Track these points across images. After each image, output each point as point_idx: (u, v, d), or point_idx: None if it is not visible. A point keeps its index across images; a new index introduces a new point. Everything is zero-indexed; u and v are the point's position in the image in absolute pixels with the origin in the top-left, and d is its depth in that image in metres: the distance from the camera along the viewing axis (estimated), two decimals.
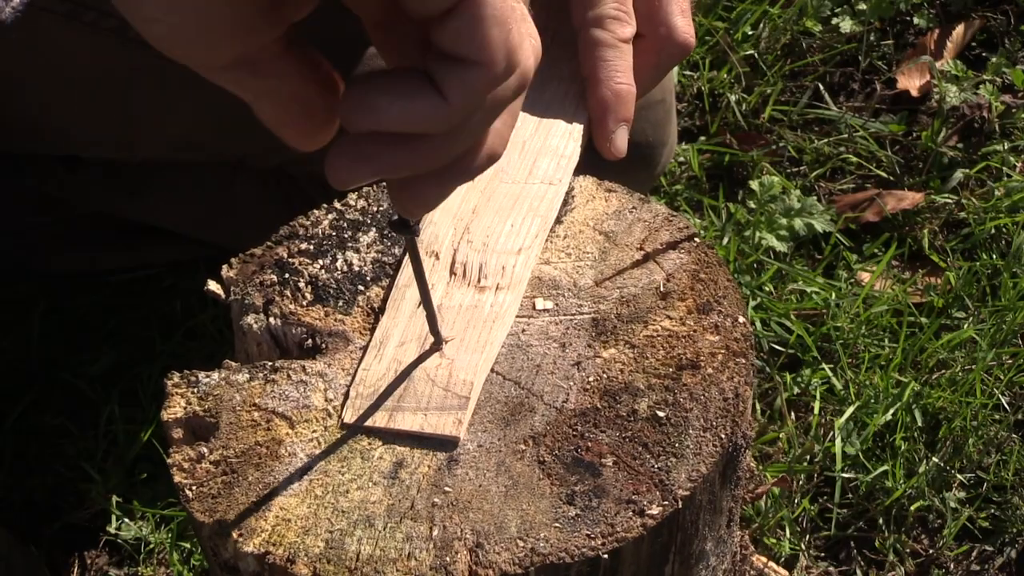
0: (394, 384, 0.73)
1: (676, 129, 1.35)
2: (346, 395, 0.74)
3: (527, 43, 0.56)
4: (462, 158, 0.58)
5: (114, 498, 1.31)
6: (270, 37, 0.53)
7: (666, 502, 0.68)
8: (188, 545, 1.28)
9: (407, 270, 0.80)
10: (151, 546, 1.28)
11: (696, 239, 0.83)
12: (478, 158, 0.59)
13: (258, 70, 0.54)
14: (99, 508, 1.32)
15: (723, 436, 0.72)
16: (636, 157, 1.29)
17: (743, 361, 0.76)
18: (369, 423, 0.72)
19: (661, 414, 0.73)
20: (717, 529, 0.77)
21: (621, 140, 0.87)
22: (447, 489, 0.69)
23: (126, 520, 1.30)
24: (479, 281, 0.79)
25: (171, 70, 0.58)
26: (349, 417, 0.72)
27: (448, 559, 0.66)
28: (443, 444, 0.71)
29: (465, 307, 0.78)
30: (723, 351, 0.76)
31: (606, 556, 0.66)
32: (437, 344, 0.75)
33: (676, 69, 1.71)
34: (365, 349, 0.76)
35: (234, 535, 0.67)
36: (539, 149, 0.87)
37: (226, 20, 0.50)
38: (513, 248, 0.81)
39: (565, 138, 0.87)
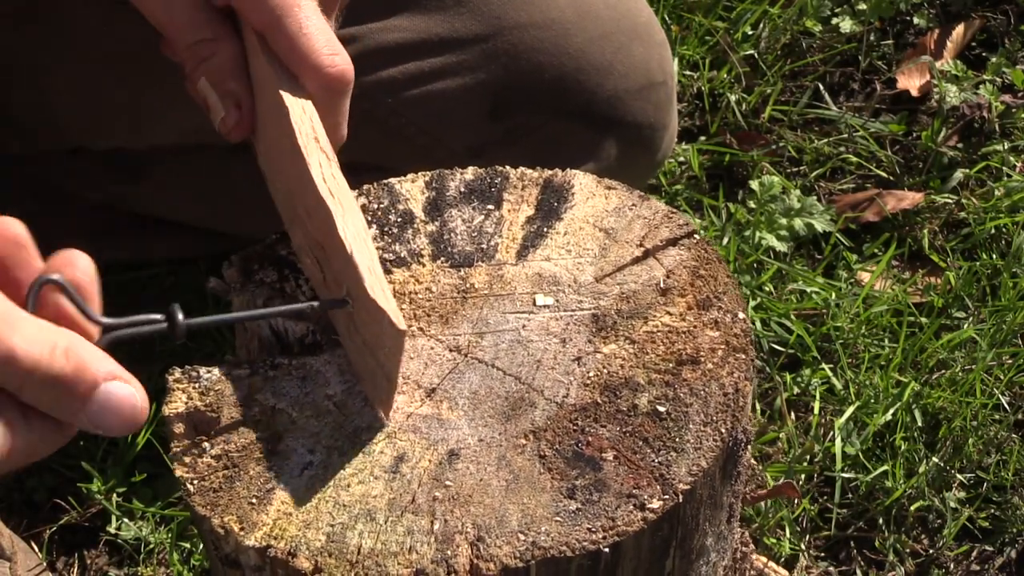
0: (370, 357, 0.72)
1: (676, 116, 1.34)
2: (365, 399, 0.74)
3: None
4: None
5: (114, 498, 1.31)
6: None
7: (666, 496, 0.68)
8: (188, 545, 1.28)
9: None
10: (151, 546, 1.28)
11: (696, 236, 0.83)
12: None
13: None
14: (99, 508, 1.32)
15: (723, 431, 0.72)
16: (638, 140, 1.29)
17: (743, 356, 0.76)
18: (392, 399, 0.72)
19: (661, 409, 0.73)
20: (718, 524, 0.77)
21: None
22: (448, 483, 0.69)
23: (126, 520, 1.30)
24: (322, 249, 0.75)
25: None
26: (388, 414, 0.72)
27: (449, 552, 0.66)
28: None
29: (332, 270, 0.74)
30: (723, 346, 0.76)
31: (607, 550, 0.66)
32: (342, 304, 0.72)
33: (676, 64, 1.71)
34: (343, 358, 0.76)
35: (235, 529, 0.67)
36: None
37: None
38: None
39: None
